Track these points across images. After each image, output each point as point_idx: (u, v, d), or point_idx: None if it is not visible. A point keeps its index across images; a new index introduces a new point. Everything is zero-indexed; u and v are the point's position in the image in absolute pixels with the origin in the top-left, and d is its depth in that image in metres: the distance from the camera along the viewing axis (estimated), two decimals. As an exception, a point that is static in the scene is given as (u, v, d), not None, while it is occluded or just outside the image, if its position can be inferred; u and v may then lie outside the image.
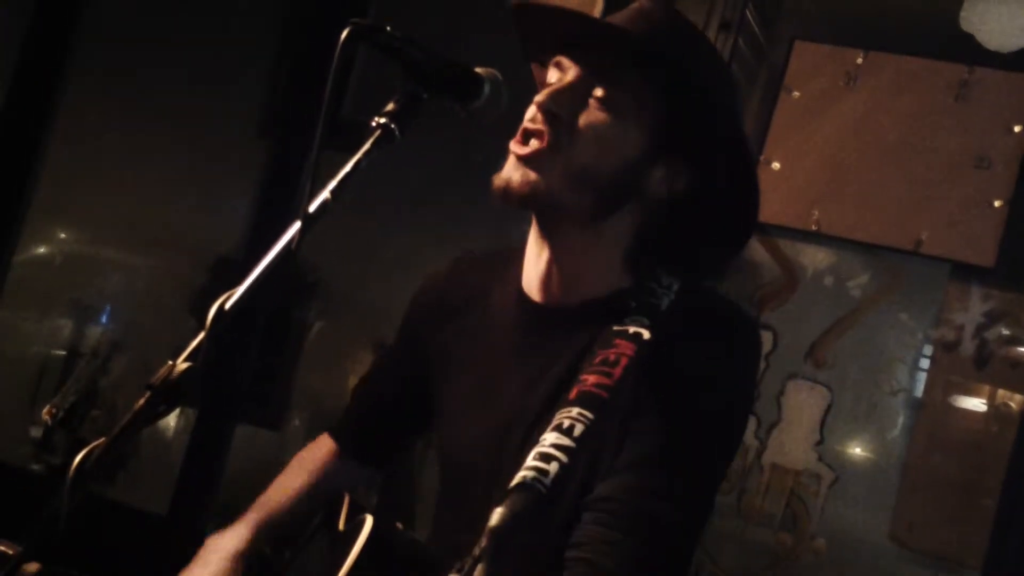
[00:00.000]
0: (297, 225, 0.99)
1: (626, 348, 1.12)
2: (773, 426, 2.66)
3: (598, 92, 1.16)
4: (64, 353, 3.22)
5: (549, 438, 1.06)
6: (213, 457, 2.82)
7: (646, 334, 1.13)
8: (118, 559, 2.44)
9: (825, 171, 2.66)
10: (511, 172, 1.16)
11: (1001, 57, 2.56)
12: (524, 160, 1.16)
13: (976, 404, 2.55)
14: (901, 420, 2.59)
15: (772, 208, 2.64)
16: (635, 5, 1.22)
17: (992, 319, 2.55)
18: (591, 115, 1.16)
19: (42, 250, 3.34)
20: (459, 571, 0.94)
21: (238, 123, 3.18)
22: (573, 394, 1.10)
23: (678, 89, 1.17)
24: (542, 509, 1.01)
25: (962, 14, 2.59)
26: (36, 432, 2.99)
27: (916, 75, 2.63)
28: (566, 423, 1.07)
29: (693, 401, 1.12)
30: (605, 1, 2.56)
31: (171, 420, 3.05)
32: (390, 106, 1.08)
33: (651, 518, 1.06)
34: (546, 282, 1.23)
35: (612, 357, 1.11)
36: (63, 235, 3.37)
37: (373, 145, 1.05)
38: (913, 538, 2.50)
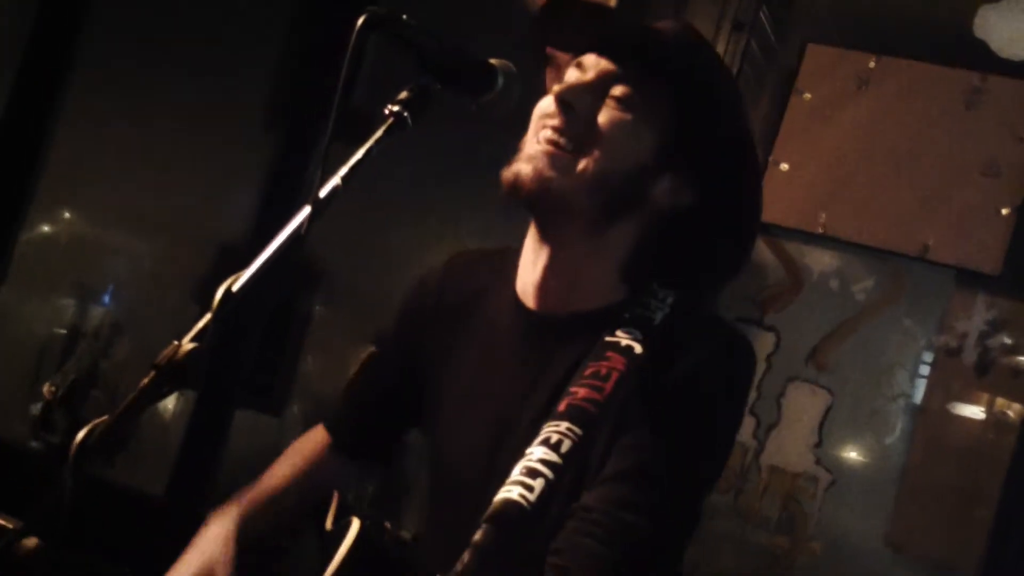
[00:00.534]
0: (307, 210, 0.98)
1: (617, 362, 1.11)
2: (772, 427, 2.66)
3: (617, 91, 1.16)
4: (65, 332, 3.23)
5: (536, 452, 1.05)
6: (212, 441, 2.83)
7: (638, 348, 1.12)
8: (111, 538, 2.44)
9: (833, 174, 2.66)
10: (522, 165, 1.16)
11: (1013, 65, 2.56)
12: (538, 155, 1.15)
13: (975, 412, 2.55)
14: (900, 425, 2.59)
15: (779, 209, 2.64)
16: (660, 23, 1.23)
17: (995, 327, 2.54)
18: (608, 113, 1.16)
19: (48, 230, 3.34)
20: None
21: (245, 113, 3.18)
22: (563, 407, 1.09)
23: (694, 102, 1.17)
24: (526, 525, 1.01)
25: (976, 21, 2.59)
26: (36, 410, 2.99)
27: (927, 81, 2.63)
28: (554, 437, 1.06)
29: (681, 419, 1.11)
30: (619, 3, 2.56)
31: (169, 402, 3.06)
32: (403, 95, 1.07)
33: (629, 531, 1.06)
34: (541, 289, 1.22)
35: (603, 371, 1.10)
36: (68, 215, 3.38)
37: (385, 133, 1.05)
38: (909, 543, 2.50)
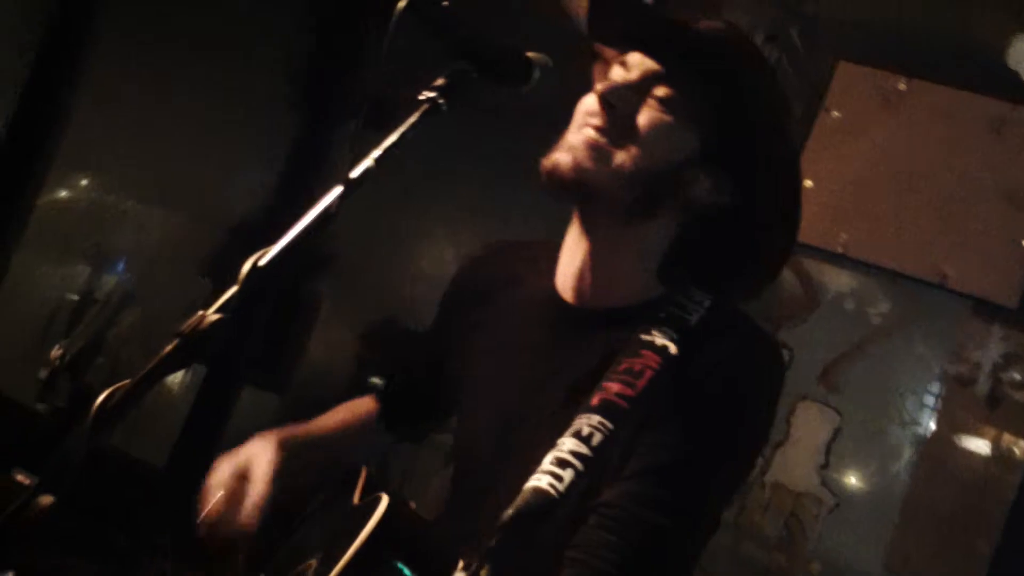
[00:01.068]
0: (338, 190, 0.98)
1: (651, 360, 1.12)
2: (779, 445, 2.65)
3: (660, 91, 1.17)
4: (77, 298, 3.24)
5: (567, 444, 1.06)
6: (217, 416, 2.83)
7: (673, 348, 1.13)
8: (111, 505, 2.45)
9: (857, 194, 2.65)
10: (560, 155, 1.16)
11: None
12: (577, 145, 1.16)
13: (981, 445, 2.53)
14: (907, 452, 2.57)
15: (800, 226, 2.62)
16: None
17: (1009, 360, 2.53)
18: (649, 113, 1.17)
19: (65, 195, 3.34)
20: (466, 569, 0.95)
21: (267, 92, 3.19)
22: (595, 400, 1.10)
23: (737, 105, 1.17)
24: (552, 513, 1.02)
25: (1009, 49, 2.57)
26: (43, 373, 3.00)
27: (957, 106, 2.61)
28: (585, 430, 1.07)
29: (709, 421, 1.12)
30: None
31: (177, 375, 3.07)
32: (439, 80, 1.08)
33: (648, 528, 1.07)
34: (579, 282, 1.23)
35: (637, 367, 1.11)
36: (86, 182, 3.38)
37: (420, 118, 1.04)
38: (907, 570, 2.49)
